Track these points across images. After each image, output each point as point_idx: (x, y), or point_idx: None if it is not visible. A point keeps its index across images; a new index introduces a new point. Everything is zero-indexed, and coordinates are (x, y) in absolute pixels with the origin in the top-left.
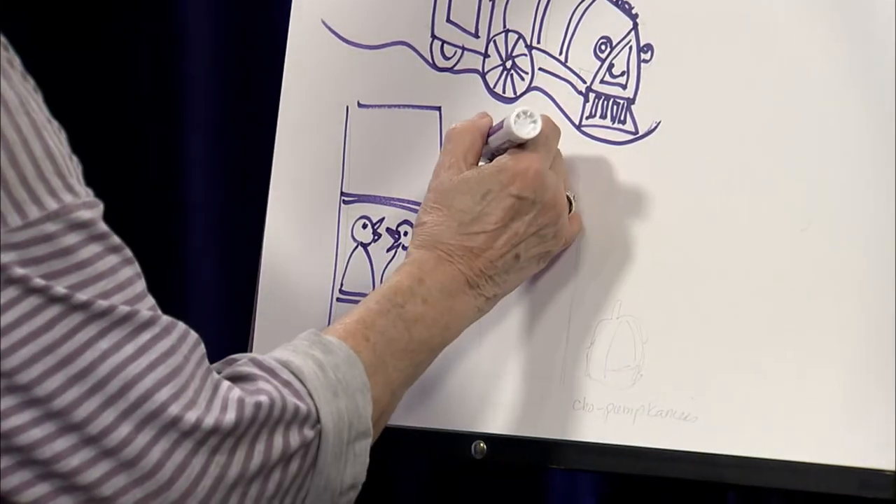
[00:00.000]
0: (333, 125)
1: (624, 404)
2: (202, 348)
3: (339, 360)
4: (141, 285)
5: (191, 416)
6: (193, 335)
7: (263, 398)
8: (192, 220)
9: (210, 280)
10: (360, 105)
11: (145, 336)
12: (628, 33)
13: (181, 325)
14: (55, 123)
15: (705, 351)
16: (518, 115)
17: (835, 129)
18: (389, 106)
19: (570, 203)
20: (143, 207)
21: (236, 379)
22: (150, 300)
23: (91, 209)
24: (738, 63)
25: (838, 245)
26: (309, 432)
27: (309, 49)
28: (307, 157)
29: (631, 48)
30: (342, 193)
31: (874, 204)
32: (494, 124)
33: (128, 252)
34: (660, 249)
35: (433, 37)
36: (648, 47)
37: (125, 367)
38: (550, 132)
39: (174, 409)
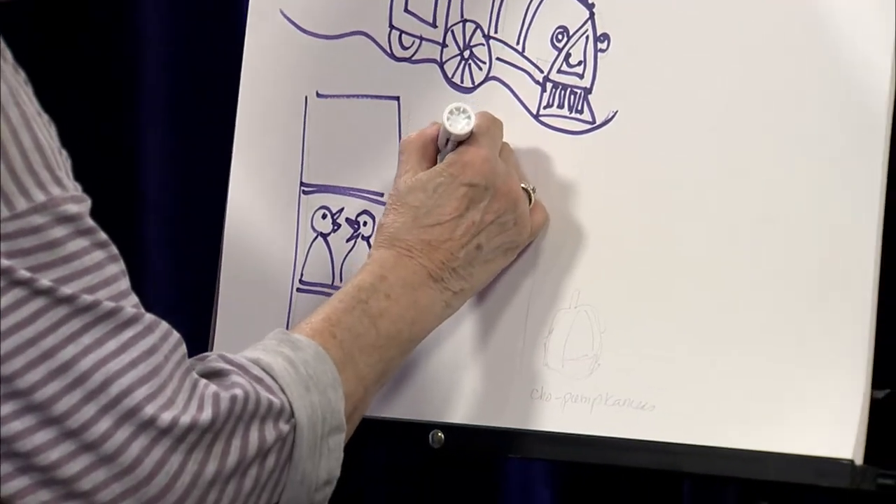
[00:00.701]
0: (292, 115)
1: (581, 393)
2: (183, 348)
3: (308, 356)
4: (125, 282)
5: (168, 416)
6: (175, 335)
7: (238, 392)
8: (150, 211)
9: (169, 271)
10: (318, 95)
11: (128, 333)
12: (585, 23)
13: (164, 325)
14: (45, 116)
15: (663, 341)
16: (451, 112)
17: (793, 118)
18: (348, 96)
19: (529, 194)
20: (100, 198)
21: (209, 375)
22: (134, 298)
23: (79, 203)
24: (695, 52)
25: (797, 235)
26: (284, 426)
27: (268, 39)
28: (266, 147)
29: (587, 38)
30: (302, 184)
31: (832, 194)
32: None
33: (113, 249)
34: (618, 239)
35: (391, 27)
36: (605, 37)
37: (107, 362)
38: (491, 124)
39: (151, 408)
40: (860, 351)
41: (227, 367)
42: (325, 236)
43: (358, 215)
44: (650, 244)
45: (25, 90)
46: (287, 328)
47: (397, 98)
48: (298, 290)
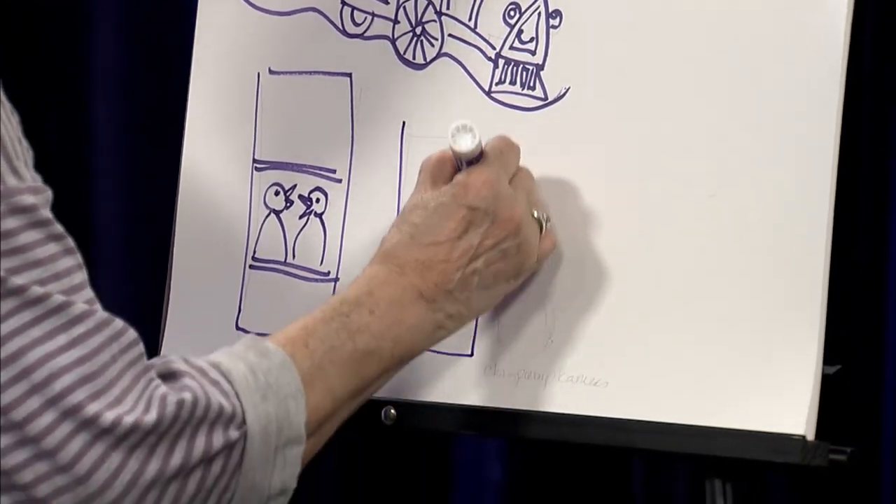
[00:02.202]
0: (245, 92)
1: (534, 370)
2: (139, 348)
3: (272, 364)
4: (80, 276)
5: (110, 415)
6: (130, 334)
7: (187, 395)
8: (101, 188)
9: (121, 247)
10: (271, 72)
11: (78, 329)
12: None
13: (117, 322)
14: (8, 105)
15: (616, 316)
16: (457, 130)
17: (744, 95)
18: (300, 73)
19: (541, 224)
20: (50, 177)
21: (165, 376)
22: (89, 293)
23: (36, 194)
24: (647, 28)
25: (747, 210)
26: (234, 433)
27: (219, 16)
28: (219, 123)
29: (539, 14)
30: (254, 160)
31: (782, 170)
32: None
33: (70, 242)
34: (570, 216)
35: (343, 3)
36: (557, 13)
37: (54, 357)
38: (505, 147)
39: (94, 407)
40: (812, 327)
41: (185, 368)
42: (277, 213)
43: (311, 192)
44: (602, 221)
45: None
46: (239, 305)
47: (349, 75)
48: (251, 266)
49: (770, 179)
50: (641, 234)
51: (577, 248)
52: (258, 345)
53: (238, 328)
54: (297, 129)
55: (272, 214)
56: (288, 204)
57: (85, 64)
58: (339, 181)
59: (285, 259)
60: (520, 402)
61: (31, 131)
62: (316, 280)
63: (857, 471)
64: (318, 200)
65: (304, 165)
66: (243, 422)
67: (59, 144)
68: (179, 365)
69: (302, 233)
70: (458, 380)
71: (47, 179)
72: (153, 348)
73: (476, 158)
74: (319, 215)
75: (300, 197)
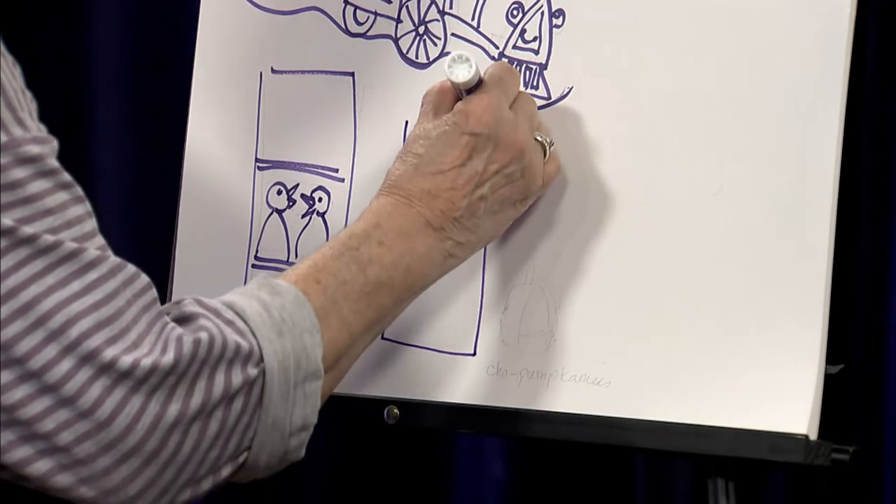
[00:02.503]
0: (247, 91)
1: (537, 369)
2: (152, 292)
3: (285, 301)
4: (91, 224)
5: (128, 359)
6: (143, 279)
7: (203, 335)
8: (102, 187)
9: (124, 248)
10: (273, 71)
11: (92, 275)
12: None
13: (130, 268)
14: (10, 57)
15: (618, 316)
16: (453, 59)
17: (747, 94)
18: (303, 72)
19: (545, 147)
20: None
21: (180, 320)
22: (100, 240)
23: (41, 144)
24: (650, 28)
25: (749, 209)
26: (252, 370)
27: (222, 15)
28: (221, 123)
29: (543, 14)
30: (257, 160)
31: (784, 169)
32: None
33: (78, 190)
34: (572, 215)
35: (346, 2)
36: (560, 12)
37: (69, 304)
38: (504, 73)
39: (112, 351)
40: (815, 327)
41: (199, 310)
42: (280, 212)
43: (313, 191)
44: (605, 220)
45: None
46: None
47: (352, 74)
48: (254, 265)
49: (772, 178)
50: (644, 233)
51: (580, 247)
52: (270, 283)
53: None
54: (300, 129)
55: (275, 214)
56: (290, 203)
57: (87, 62)
58: (342, 180)
59: (288, 258)
60: (522, 402)
61: None
62: None
63: (860, 470)
64: (320, 200)
65: (307, 165)
66: (261, 359)
67: (61, 142)
68: (193, 307)
69: (304, 232)
70: (460, 379)
71: None
72: None
73: (475, 87)
74: (322, 214)
75: (303, 196)
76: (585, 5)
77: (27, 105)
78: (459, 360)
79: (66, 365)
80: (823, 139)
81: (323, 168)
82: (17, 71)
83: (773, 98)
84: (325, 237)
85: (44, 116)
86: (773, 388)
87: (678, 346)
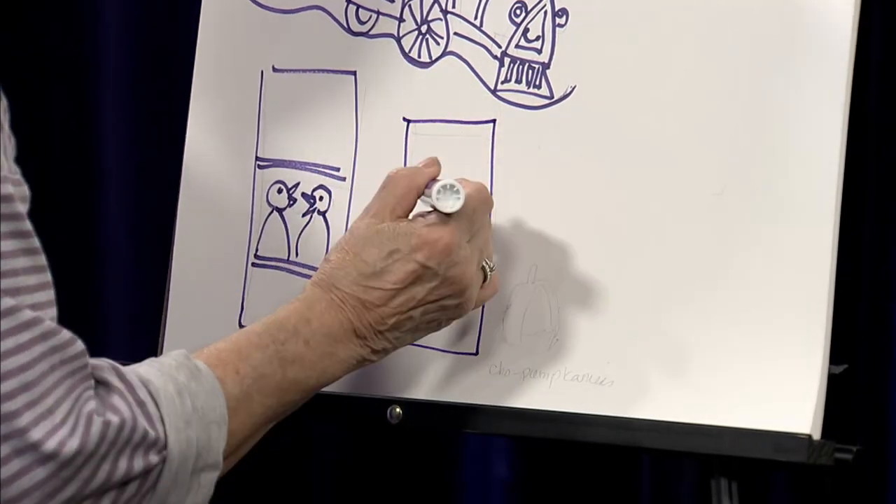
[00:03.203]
0: (248, 89)
1: (540, 369)
2: (82, 360)
3: (202, 388)
4: (35, 279)
5: (39, 429)
6: (77, 346)
7: (114, 418)
8: (103, 185)
9: (124, 244)
10: (274, 69)
11: (25, 336)
12: None
13: (64, 333)
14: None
15: (621, 315)
16: (442, 188)
17: (750, 93)
18: (304, 70)
19: (486, 273)
20: (59, 173)
21: (97, 381)
22: (38, 297)
23: (15, 186)
24: (653, 27)
25: (753, 209)
26: (154, 458)
27: (223, 13)
28: (222, 121)
29: (546, 13)
30: (257, 158)
31: (788, 168)
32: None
33: (35, 241)
34: (574, 214)
35: (348, 1)
36: (563, 12)
37: (1, 360)
38: (478, 206)
39: (26, 418)
40: (818, 326)
41: (116, 381)
42: (280, 211)
43: (314, 190)
44: (607, 219)
45: None
46: (242, 303)
47: (354, 73)
48: (254, 264)
49: (776, 178)
50: (646, 233)
51: (582, 247)
52: (190, 364)
53: (241, 325)
54: (301, 127)
55: (275, 212)
56: (291, 202)
57: (88, 61)
58: (343, 179)
59: (288, 257)
60: (525, 401)
61: (34, 128)
62: None
63: (863, 470)
64: (321, 198)
65: (308, 163)
66: (164, 446)
67: (63, 141)
68: (110, 376)
69: (305, 231)
70: (463, 379)
71: (51, 176)
72: (154, 345)
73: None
74: (322, 213)
75: (303, 195)
76: (588, 5)
77: (4, 143)
78: (462, 360)
79: None
80: (827, 139)
81: (324, 167)
82: (3, 104)
83: (777, 97)
84: (325, 236)
85: (47, 115)
86: (777, 387)
87: (681, 345)
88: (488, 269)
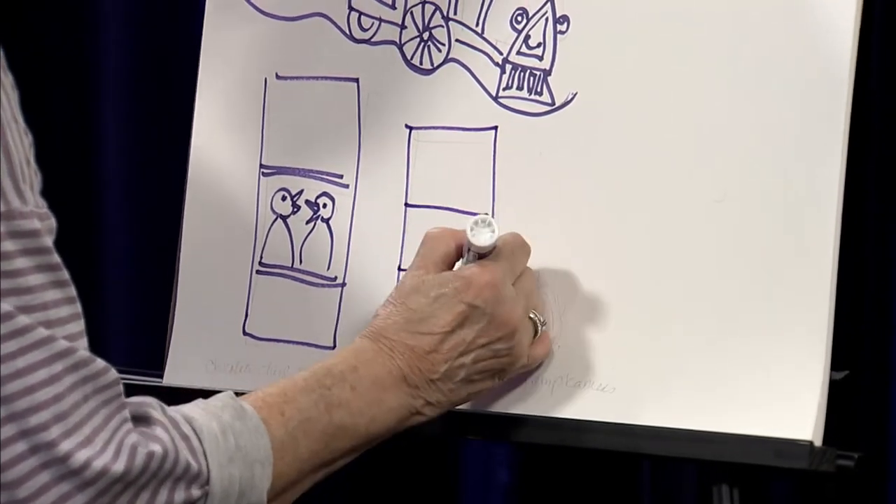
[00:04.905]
0: (252, 97)
1: (542, 375)
2: (116, 388)
3: (246, 427)
4: (66, 311)
5: (81, 456)
6: (111, 374)
7: (157, 448)
8: (110, 194)
9: (129, 252)
10: (278, 77)
11: (58, 366)
12: (544, 5)
13: (98, 363)
14: (22, 125)
15: (623, 321)
16: (476, 223)
17: (751, 100)
18: (307, 78)
19: (536, 326)
20: (60, 181)
21: (138, 418)
22: (71, 328)
23: (41, 220)
24: (655, 33)
25: (754, 215)
26: (196, 492)
27: (227, 20)
28: (226, 128)
29: (547, 20)
30: (261, 165)
31: (789, 175)
32: None
33: (64, 274)
34: (576, 221)
35: (350, 8)
36: (564, 19)
37: (34, 391)
38: (517, 248)
39: (66, 445)
40: (819, 332)
41: (159, 416)
42: (284, 218)
43: (317, 197)
44: (609, 226)
45: (8, 94)
46: (246, 310)
47: (356, 80)
48: (258, 272)
49: (777, 184)
50: (648, 239)
51: (584, 254)
52: (236, 404)
53: (245, 333)
54: (304, 135)
55: (279, 219)
56: (295, 209)
57: (92, 68)
58: (346, 186)
59: (292, 264)
60: (527, 408)
61: (38, 137)
62: (323, 285)
63: (864, 477)
64: (324, 206)
65: (311, 171)
66: (207, 481)
67: (67, 150)
68: (154, 412)
69: (309, 238)
70: None
71: (54, 185)
72: (160, 353)
73: (488, 251)
74: (326, 220)
75: (307, 202)
76: (590, 12)
77: (31, 177)
78: None
79: (19, 447)
80: (828, 144)
81: (327, 174)
82: (28, 140)
83: (778, 104)
84: (329, 243)
85: (50, 122)
86: (778, 394)
87: (683, 352)
88: (539, 321)
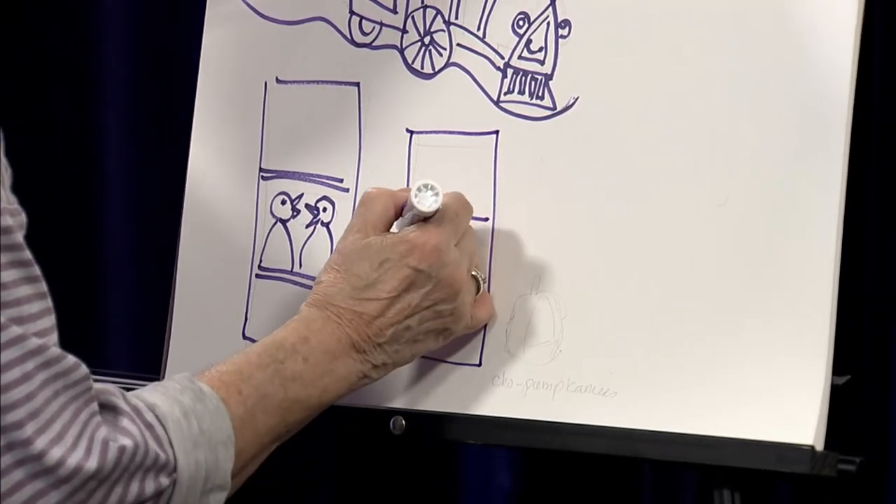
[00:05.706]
0: (252, 101)
1: (543, 380)
2: (87, 383)
3: (207, 410)
4: (38, 306)
5: (55, 453)
6: (81, 371)
7: (128, 442)
8: (107, 196)
9: (128, 256)
10: (278, 81)
11: (30, 364)
12: (546, 9)
13: (69, 359)
14: None
15: (624, 326)
16: (419, 189)
17: (753, 104)
18: (308, 82)
19: (478, 283)
20: (60, 182)
21: (104, 407)
22: (42, 324)
23: (11, 217)
24: (656, 38)
25: (756, 220)
26: (164, 480)
27: (227, 24)
28: (226, 132)
29: (549, 24)
30: (261, 169)
31: (791, 179)
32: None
33: (35, 271)
34: (578, 225)
35: (351, 12)
36: (566, 23)
37: (10, 389)
38: (460, 209)
39: (41, 443)
40: (821, 337)
41: (123, 406)
42: (284, 222)
43: (317, 201)
44: (610, 230)
45: None
46: (246, 314)
47: (357, 84)
48: (258, 276)
49: (779, 189)
50: (650, 244)
51: (586, 258)
52: (194, 386)
53: (245, 337)
54: (305, 138)
55: (279, 223)
56: (295, 213)
57: (92, 68)
58: (347, 190)
59: (292, 268)
60: (528, 412)
61: (38, 139)
62: None
63: (866, 481)
64: (324, 209)
65: (311, 174)
66: (174, 469)
67: (67, 150)
68: (118, 401)
69: (308, 242)
70: (466, 390)
71: (54, 185)
72: (159, 357)
73: (431, 215)
74: (326, 224)
75: (307, 206)
76: (591, 16)
77: (2, 175)
78: (465, 371)
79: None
80: (830, 149)
81: (327, 178)
82: None
83: (780, 108)
84: (329, 247)
85: (50, 122)
86: (780, 398)
87: (684, 356)
88: (480, 279)
